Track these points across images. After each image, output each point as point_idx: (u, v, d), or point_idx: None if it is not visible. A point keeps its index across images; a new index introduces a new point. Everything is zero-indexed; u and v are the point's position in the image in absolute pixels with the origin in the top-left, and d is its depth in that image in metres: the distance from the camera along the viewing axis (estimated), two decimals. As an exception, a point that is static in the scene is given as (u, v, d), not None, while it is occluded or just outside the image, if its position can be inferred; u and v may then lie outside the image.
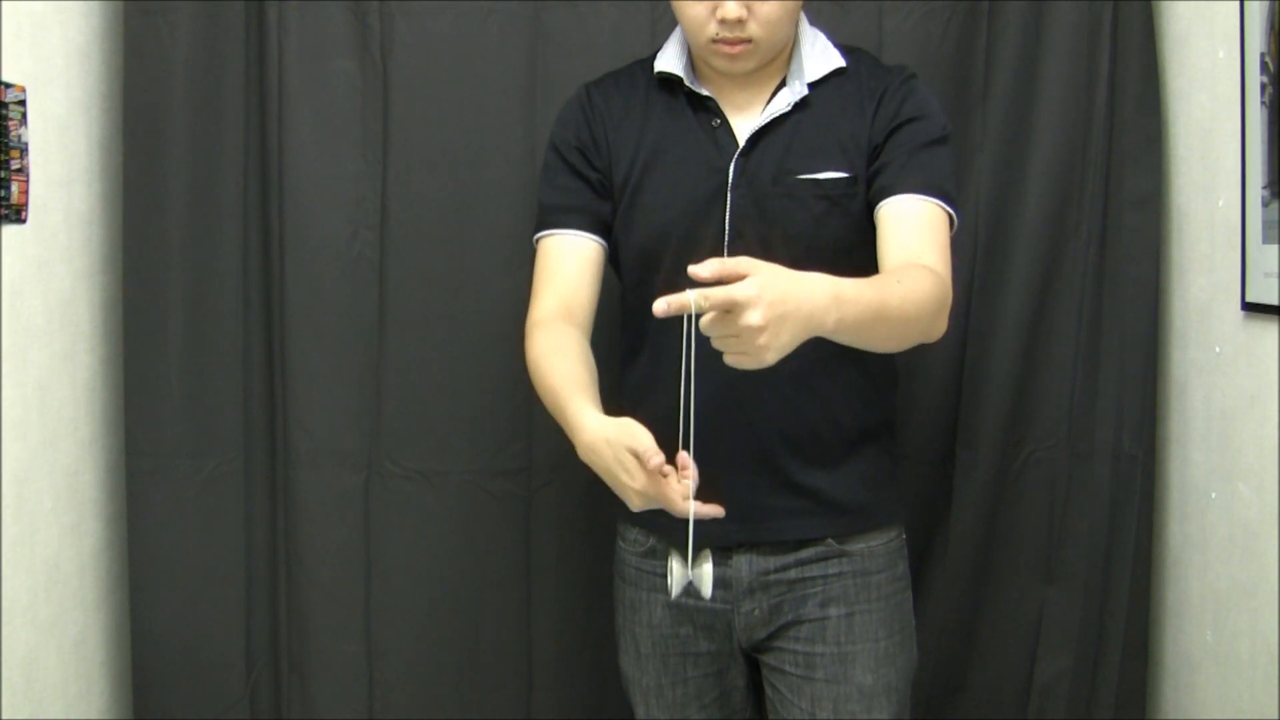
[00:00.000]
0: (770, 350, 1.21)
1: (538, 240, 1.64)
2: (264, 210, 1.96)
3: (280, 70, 1.93)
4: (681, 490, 1.33)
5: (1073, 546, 1.96)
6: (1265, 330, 1.62)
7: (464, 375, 1.97)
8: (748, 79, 1.56)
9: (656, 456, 1.28)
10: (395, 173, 1.96)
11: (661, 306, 1.20)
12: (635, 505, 1.35)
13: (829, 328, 1.26)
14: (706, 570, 1.42)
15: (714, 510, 1.35)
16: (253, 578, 1.99)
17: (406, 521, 1.99)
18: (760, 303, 1.18)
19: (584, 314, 1.59)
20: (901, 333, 1.41)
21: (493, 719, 2.03)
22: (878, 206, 1.51)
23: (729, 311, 1.19)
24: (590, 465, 1.38)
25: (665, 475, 1.32)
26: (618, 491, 1.37)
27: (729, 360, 1.23)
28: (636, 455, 1.30)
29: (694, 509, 1.33)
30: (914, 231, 1.48)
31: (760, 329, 1.18)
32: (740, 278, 1.19)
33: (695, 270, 1.20)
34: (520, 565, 2.00)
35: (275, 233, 1.95)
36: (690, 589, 1.45)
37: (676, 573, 1.44)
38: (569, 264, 1.60)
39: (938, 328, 1.45)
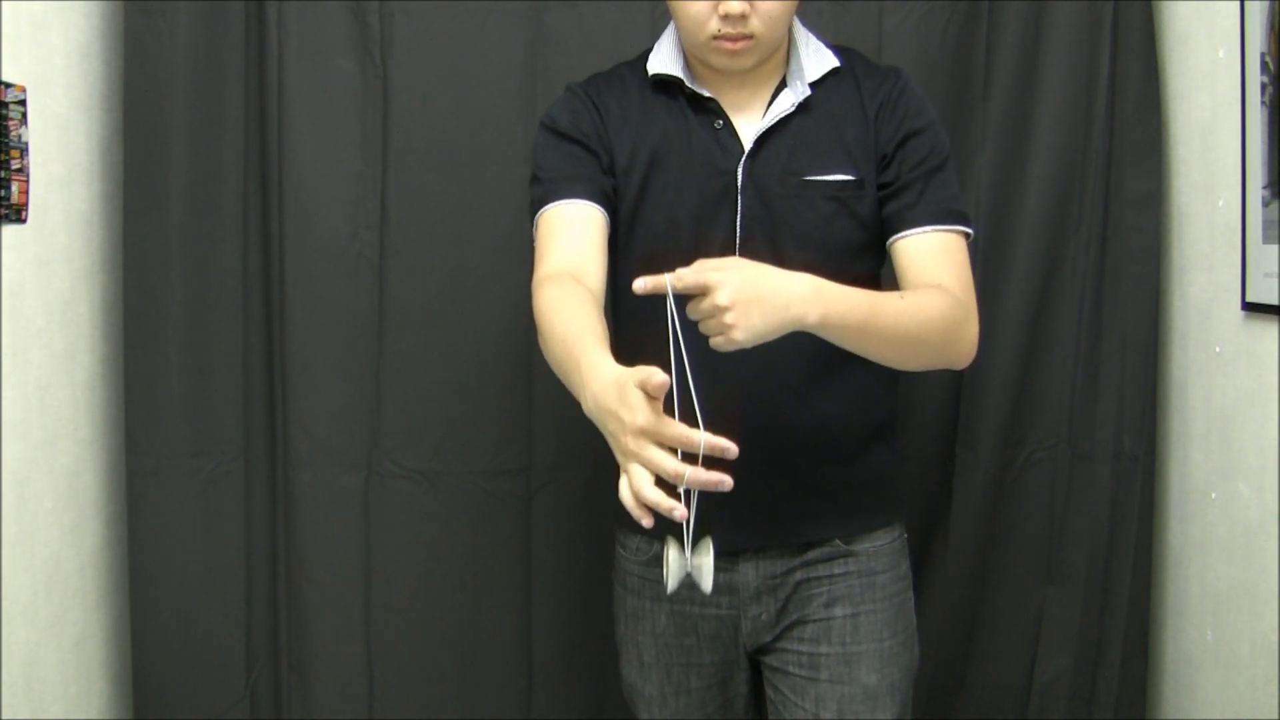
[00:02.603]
0: (738, 329, 1.26)
1: (540, 214, 1.52)
2: (264, 210, 1.96)
3: (280, 70, 1.93)
4: (682, 433, 1.18)
5: (1073, 546, 1.96)
6: (1265, 330, 1.62)
7: (464, 375, 1.97)
8: (746, 79, 1.56)
9: (662, 376, 1.18)
10: (395, 173, 1.96)
11: (640, 284, 1.27)
12: (628, 456, 1.19)
13: (812, 321, 1.31)
14: (707, 561, 1.29)
15: (719, 478, 1.18)
16: (253, 578, 1.99)
17: (406, 521, 1.99)
18: (727, 284, 1.25)
19: (596, 281, 1.47)
20: (908, 348, 1.42)
21: (493, 719, 2.03)
22: (892, 239, 1.52)
23: (706, 295, 1.26)
24: (595, 418, 1.25)
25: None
26: (617, 448, 1.21)
27: (713, 344, 1.29)
28: (644, 390, 1.18)
29: (695, 474, 1.16)
30: (931, 264, 1.49)
31: (726, 308, 1.25)
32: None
33: (702, 261, 1.28)
34: (519, 565, 2.00)
35: (275, 233, 1.95)
36: (688, 581, 1.30)
37: (673, 563, 1.30)
38: (577, 231, 1.49)
39: (959, 350, 1.47)
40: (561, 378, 1.36)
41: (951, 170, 1.55)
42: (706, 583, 1.30)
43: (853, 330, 1.35)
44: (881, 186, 1.53)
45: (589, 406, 1.26)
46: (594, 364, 1.26)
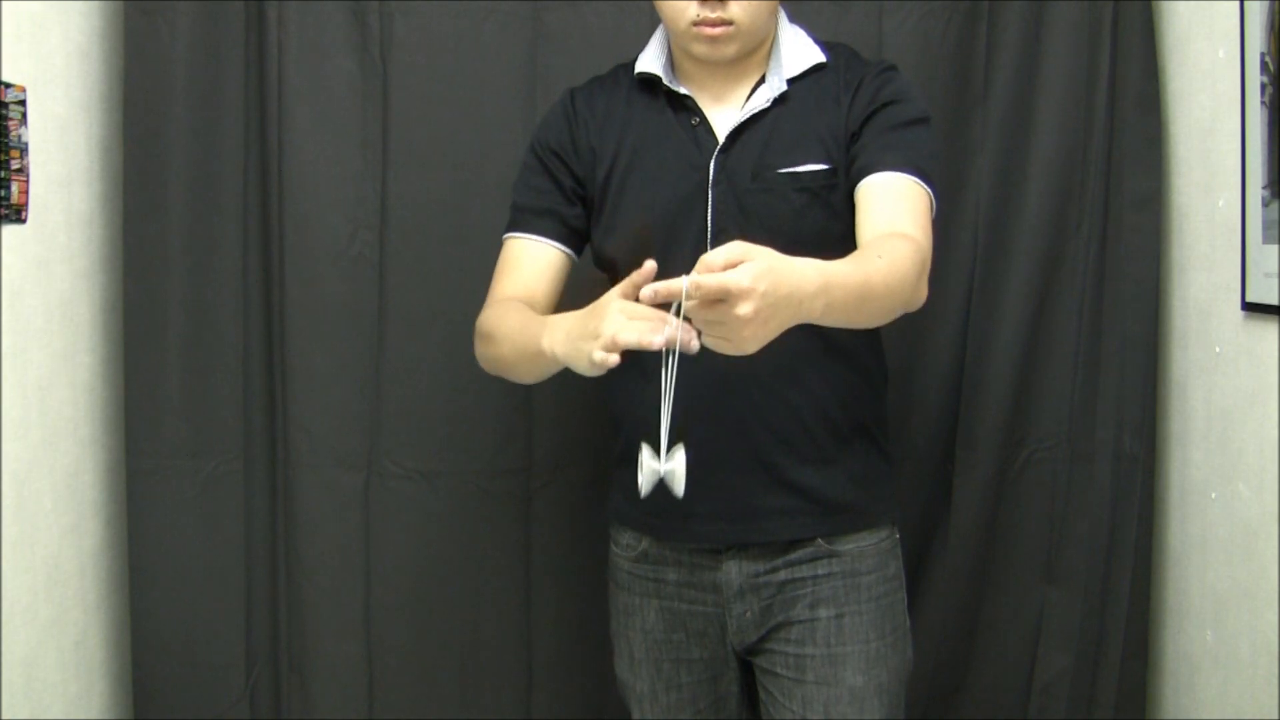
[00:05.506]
0: (754, 341, 1.17)
1: (505, 238, 1.66)
2: (264, 210, 1.96)
3: (280, 70, 1.93)
4: (653, 311, 1.24)
5: (1073, 546, 1.96)
6: (1265, 330, 1.62)
7: (464, 375, 1.96)
8: (727, 76, 1.56)
9: (651, 264, 1.26)
10: (395, 172, 1.96)
11: (649, 293, 1.17)
12: (606, 324, 1.26)
13: (816, 314, 1.22)
14: (679, 466, 1.26)
15: (690, 336, 1.22)
16: (253, 578, 1.99)
17: (406, 521, 1.99)
18: (754, 295, 1.13)
19: (542, 311, 1.56)
20: (886, 307, 1.36)
21: (493, 719, 2.03)
22: (857, 186, 1.49)
23: (720, 300, 1.14)
24: (567, 343, 1.34)
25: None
26: (583, 345, 1.29)
27: (707, 343, 1.20)
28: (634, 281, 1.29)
29: (671, 330, 1.22)
30: (891, 204, 1.46)
31: (749, 320, 1.14)
32: (735, 264, 1.15)
33: (707, 257, 1.16)
34: (519, 565, 2.00)
35: (275, 233, 1.95)
36: (661, 486, 1.28)
37: (646, 467, 1.27)
38: (529, 267, 1.62)
39: (919, 295, 1.41)
40: (515, 356, 1.48)
41: (928, 133, 1.53)
42: (679, 487, 1.27)
43: (849, 310, 1.28)
44: (852, 161, 1.51)
45: (558, 338, 1.36)
46: (559, 317, 1.39)
